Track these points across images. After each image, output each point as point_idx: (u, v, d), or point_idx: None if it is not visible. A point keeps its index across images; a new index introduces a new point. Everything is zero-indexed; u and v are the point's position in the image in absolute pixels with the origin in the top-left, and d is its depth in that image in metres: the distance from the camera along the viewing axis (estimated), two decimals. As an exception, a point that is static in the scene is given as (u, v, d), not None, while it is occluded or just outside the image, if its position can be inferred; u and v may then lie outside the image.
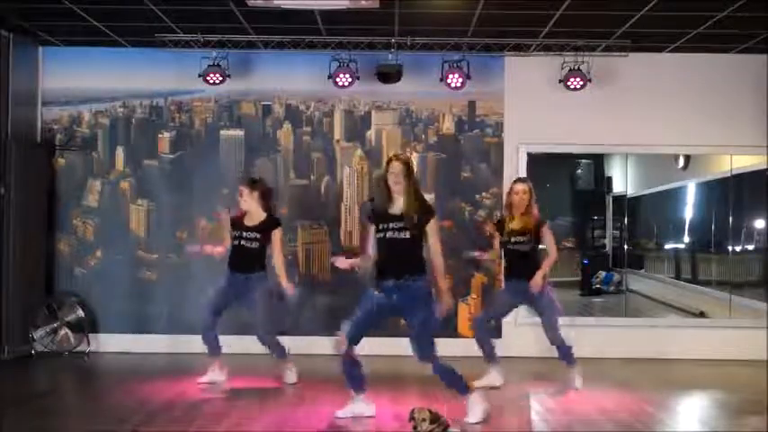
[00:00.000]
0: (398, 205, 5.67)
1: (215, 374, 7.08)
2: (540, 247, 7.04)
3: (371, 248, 5.79)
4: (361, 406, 5.89)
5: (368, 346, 5.93)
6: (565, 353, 6.99)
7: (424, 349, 5.61)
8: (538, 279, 6.80)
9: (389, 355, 7.60)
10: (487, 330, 7.23)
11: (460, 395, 5.76)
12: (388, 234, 5.61)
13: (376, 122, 9.01)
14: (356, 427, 5.76)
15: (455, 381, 5.73)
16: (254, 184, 7.09)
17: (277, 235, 7.01)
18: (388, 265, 5.63)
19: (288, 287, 6.98)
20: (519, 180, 7.23)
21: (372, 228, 5.75)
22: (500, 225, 7.17)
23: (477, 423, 5.65)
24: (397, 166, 5.68)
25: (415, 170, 5.93)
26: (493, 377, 7.02)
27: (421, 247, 5.69)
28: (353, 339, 5.70)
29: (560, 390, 6.85)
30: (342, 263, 6.01)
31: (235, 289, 6.96)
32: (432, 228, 5.68)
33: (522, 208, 6.93)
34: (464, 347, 7.48)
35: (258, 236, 6.93)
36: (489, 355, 7.08)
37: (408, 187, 5.65)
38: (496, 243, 7.23)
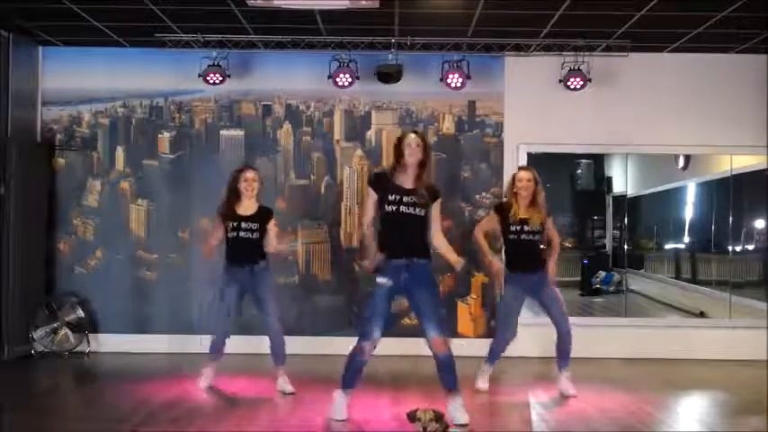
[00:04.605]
0: (410, 180, 5.65)
1: (210, 378, 6.94)
2: None
3: (371, 219, 5.72)
4: (343, 401, 5.84)
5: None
6: (567, 346, 6.78)
7: (442, 323, 5.63)
8: (553, 267, 6.80)
9: (390, 355, 7.61)
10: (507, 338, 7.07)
11: (451, 392, 5.72)
12: (402, 208, 5.57)
13: (376, 122, 9.01)
14: (355, 427, 5.76)
15: (452, 376, 5.71)
16: (255, 167, 7.06)
17: (273, 225, 6.86)
18: (399, 243, 5.60)
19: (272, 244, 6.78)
20: (523, 168, 7.03)
21: (374, 195, 5.67)
22: (501, 209, 6.91)
23: (465, 424, 5.61)
24: (413, 139, 5.67)
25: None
26: (483, 379, 7.02)
27: (427, 225, 5.70)
28: (378, 338, 5.68)
29: (560, 393, 6.82)
30: (370, 266, 5.76)
31: (241, 283, 6.79)
32: (436, 211, 5.72)
33: (529, 197, 6.75)
34: (464, 347, 7.47)
35: (257, 226, 6.77)
36: (494, 359, 7.02)
37: (423, 163, 5.64)
38: (486, 224, 6.99)
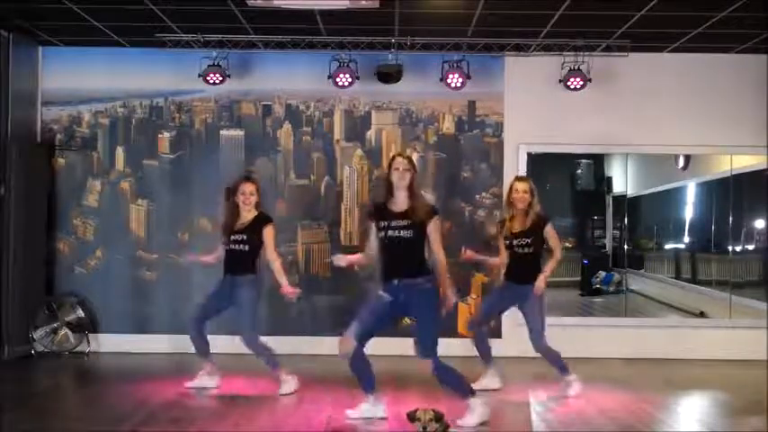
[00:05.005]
0: (400, 203, 5.70)
1: (205, 379, 6.90)
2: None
3: (373, 247, 5.81)
4: (371, 408, 5.83)
5: (369, 346, 5.90)
6: (552, 360, 6.85)
7: (426, 345, 5.58)
8: (541, 283, 6.73)
9: (390, 355, 7.60)
10: (485, 332, 7.19)
11: (462, 397, 5.73)
12: (389, 233, 5.63)
13: (376, 122, 9.01)
14: (355, 427, 5.76)
15: (457, 382, 5.72)
16: (254, 179, 7.03)
17: (269, 232, 6.78)
18: (391, 265, 5.66)
19: (288, 291, 6.72)
20: (519, 179, 7.08)
21: (374, 227, 5.78)
22: (502, 225, 7.05)
23: (473, 427, 5.60)
24: (401, 162, 5.73)
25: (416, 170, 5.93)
26: (489, 379, 6.99)
27: (422, 245, 5.68)
28: (361, 337, 5.68)
29: (559, 393, 6.84)
30: (341, 260, 5.97)
31: (222, 291, 6.78)
32: (433, 229, 5.69)
33: (524, 207, 6.81)
34: (464, 347, 7.46)
35: (245, 237, 6.71)
36: (485, 357, 7.05)
37: (411, 184, 5.69)
38: (502, 246, 7.01)
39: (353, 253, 6.26)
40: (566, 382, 6.84)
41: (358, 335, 5.67)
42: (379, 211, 5.79)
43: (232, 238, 6.74)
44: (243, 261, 6.74)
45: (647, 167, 9.84)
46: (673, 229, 10.61)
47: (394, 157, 5.83)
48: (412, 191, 5.71)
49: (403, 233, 5.61)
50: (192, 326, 6.85)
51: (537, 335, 6.79)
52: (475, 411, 5.65)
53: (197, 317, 6.87)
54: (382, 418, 5.82)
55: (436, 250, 5.69)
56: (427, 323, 5.63)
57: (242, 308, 6.72)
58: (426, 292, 5.60)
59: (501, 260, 7.03)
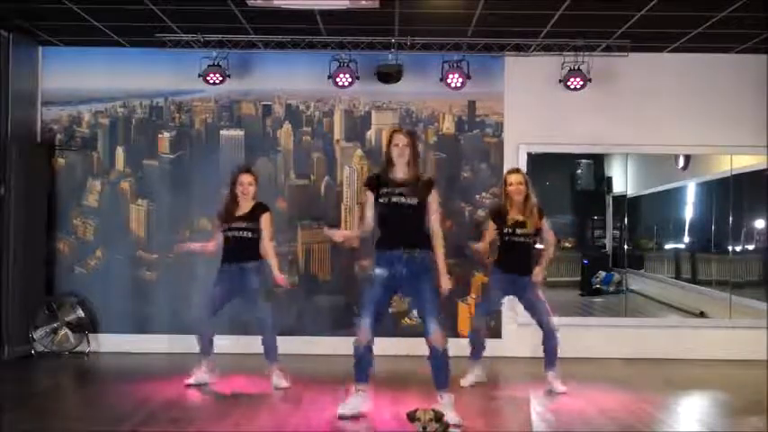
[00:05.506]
0: (400, 175, 5.71)
1: (202, 376, 6.96)
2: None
3: (369, 221, 5.81)
4: (359, 400, 5.84)
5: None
6: (553, 345, 6.87)
7: (436, 322, 5.58)
8: (540, 273, 6.87)
9: (390, 355, 7.61)
10: (486, 329, 7.20)
11: (440, 390, 5.70)
12: (393, 198, 5.62)
13: (376, 122, 9.01)
14: (356, 427, 5.76)
15: (445, 373, 5.71)
16: (252, 170, 7.12)
17: (266, 219, 6.91)
18: (395, 234, 5.63)
19: (278, 277, 6.86)
20: (512, 171, 7.07)
21: (372, 195, 5.75)
22: (498, 213, 7.00)
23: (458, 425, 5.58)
24: (401, 138, 5.73)
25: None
26: (477, 374, 7.07)
27: (424, 217, 5.69)
28: (372, 327, 5.68)
29: (549, 391, 6.86)
30: (335, 235, 5.94)
31: (230, 282, 6.85)
32: (433, 200, 5.72)
33: (521, 199, 6.84)
34: (463, 347, 7.47)
35: (248, 224, 6.85)
36: (477, 354, 7.08)
37: (412, 159, 5.72)
38: (488, 235, 7.02)
39: (353, 254, 6.25)
40: (551, 378, 6.90)
41: (371, 326, 5.66)
42: (378, 179, 5.76)
43: (234, 225, 6.85)
44: (249, 248, 6.85)
45: (647, 167, 9.84)
46: (673, 229, 10.61)
47: (393, 132, 5.82)
48: (411, 165, 5.71)
49: (407, 200, 5.62)
50: (207, 324, 6.92)
51: (548, 316, 6.87)
52: (449, 409, 5.58)
53: (210, 313, 6.90)
54: (366, 411, 5.81)
55: (434, 221, 5.69)
56: (435, 298, 5.60)
57: (252, 294, 6.85)
58: (426, 266, 5.61)
59: (484, 246, 6.99)
